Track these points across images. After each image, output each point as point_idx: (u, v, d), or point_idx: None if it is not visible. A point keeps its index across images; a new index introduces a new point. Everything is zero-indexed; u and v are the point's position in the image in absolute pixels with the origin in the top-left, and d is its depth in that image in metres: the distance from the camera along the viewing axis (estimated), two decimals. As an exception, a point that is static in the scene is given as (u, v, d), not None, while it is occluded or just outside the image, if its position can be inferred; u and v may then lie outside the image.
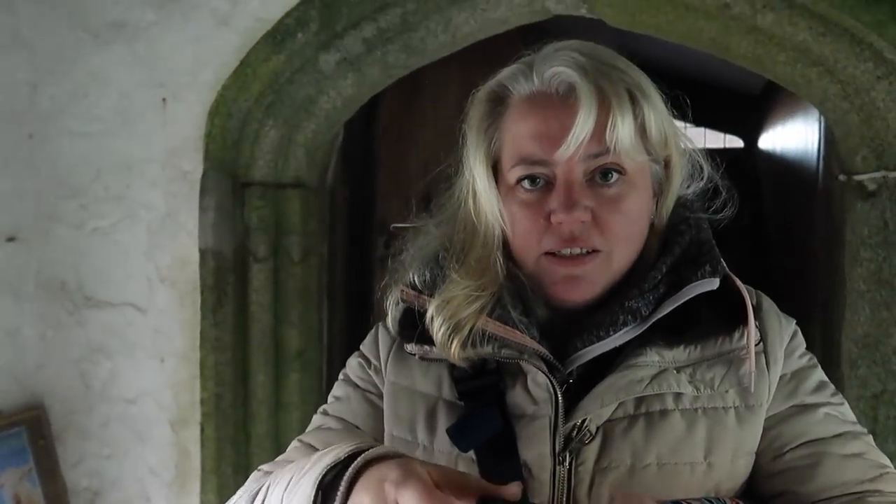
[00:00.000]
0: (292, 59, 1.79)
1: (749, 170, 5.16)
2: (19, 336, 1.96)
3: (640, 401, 0.75)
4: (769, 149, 4.39)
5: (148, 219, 1.88)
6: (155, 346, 1.90)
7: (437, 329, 0.78)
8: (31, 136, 1.94)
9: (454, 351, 0.77)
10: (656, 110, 0.77)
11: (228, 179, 1.86)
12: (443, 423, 0.78)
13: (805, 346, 0.83)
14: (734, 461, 0.75)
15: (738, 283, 0.80)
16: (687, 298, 0.76)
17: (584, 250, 0.75)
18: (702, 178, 0.85)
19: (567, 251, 0.75)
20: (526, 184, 0.77)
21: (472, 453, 0.75)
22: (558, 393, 0.74)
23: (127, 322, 1.92)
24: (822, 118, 2.17)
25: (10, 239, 1.94)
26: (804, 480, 0.75)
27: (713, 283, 0.77)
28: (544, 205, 0.75)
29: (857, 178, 1.61)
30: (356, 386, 0.88)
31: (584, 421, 0.74)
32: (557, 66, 0.75)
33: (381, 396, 0.85)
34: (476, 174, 0.80)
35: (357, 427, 0.85)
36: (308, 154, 1.91)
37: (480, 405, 0.76)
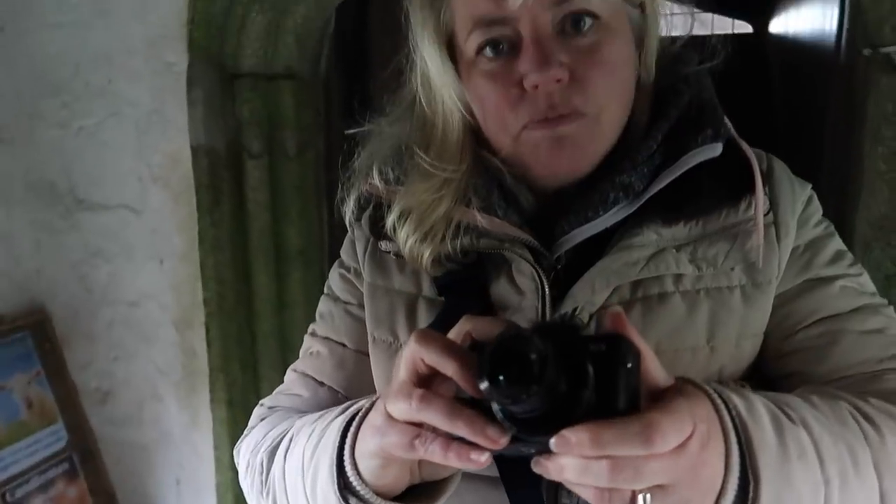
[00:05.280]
0: (276, -65, 1.66)
1: (759, 56, 4.97)
2: (13, 241, 1.92)
3: (636, 285, 0.68)
4: (781, 32, 4.21)
5: (134, 116, 1.80)
6: (153, 247, 1.86)
7: (404, 242, 0.72)
8: (3, 30, 1.82)
9: (426, 264, 0.71)
10: None
11: (216, 70, 1.75)
12: (424, 320, 0.73)
13: (821, 213, 0.75)
14: (739, 344, 0.69)
15: (745, 146, 0.71)
16: (686, 168, 0.67)
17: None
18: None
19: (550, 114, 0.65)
20: (488, 51, 0.66)
21: None
22: (544, 282, 0.68)
23: (122, 224, 1.87)
24: (843, -9, 2.03)
25: (-6, 141, 1.86)
26: (818, 360, 0.68)
27: (715, 150, 0.68)
28: (513, 72, 0.65)
29: (884, 50, 1.51)
30: (337, 299, 0.84)
31: (575, 310, 0.67)
32: None
33: (362, 306, 0.80)
34: (426, 55, 0.69)
35: (344, 345, 0.82)
36: (298, 41, 1.80)
37: (461, 298, 0.71)
